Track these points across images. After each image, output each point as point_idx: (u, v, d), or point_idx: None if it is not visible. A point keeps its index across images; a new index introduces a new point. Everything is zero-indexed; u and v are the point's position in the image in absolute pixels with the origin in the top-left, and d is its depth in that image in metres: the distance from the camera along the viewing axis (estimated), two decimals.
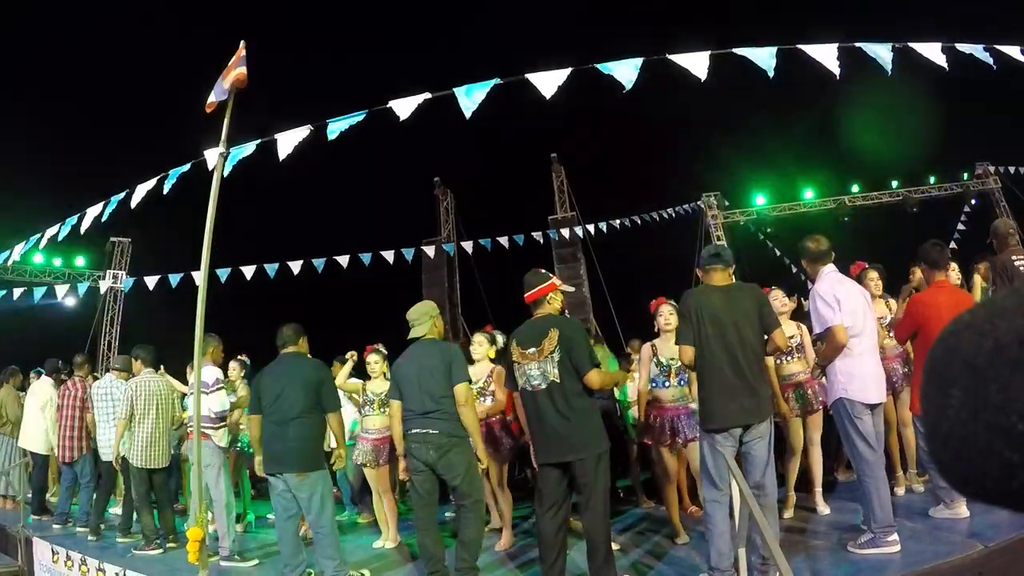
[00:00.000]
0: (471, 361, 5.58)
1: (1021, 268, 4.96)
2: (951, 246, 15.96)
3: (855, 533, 4.20)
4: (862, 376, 4.12)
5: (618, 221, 15.91)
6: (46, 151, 17.37)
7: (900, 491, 5.23)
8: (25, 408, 7.97)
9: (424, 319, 4.55)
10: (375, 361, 5.95)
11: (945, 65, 4.65)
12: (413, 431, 4.27)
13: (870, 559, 3.85)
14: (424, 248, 14.67)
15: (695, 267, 4.46)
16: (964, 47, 4.78)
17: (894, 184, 18.96)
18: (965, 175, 18.99)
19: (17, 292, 9.53)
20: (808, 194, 19.04)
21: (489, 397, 5.53)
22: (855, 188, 19.01)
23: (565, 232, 16.82)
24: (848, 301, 4.11)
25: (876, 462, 4.05)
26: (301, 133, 4.74)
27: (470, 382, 4.44)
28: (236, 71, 4.39)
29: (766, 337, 3.85)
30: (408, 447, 4.31)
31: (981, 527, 4.03)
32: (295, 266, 11.63)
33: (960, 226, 18.05)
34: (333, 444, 5.22)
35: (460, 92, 4.61)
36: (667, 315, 5.10)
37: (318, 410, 4.65)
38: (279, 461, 4.60)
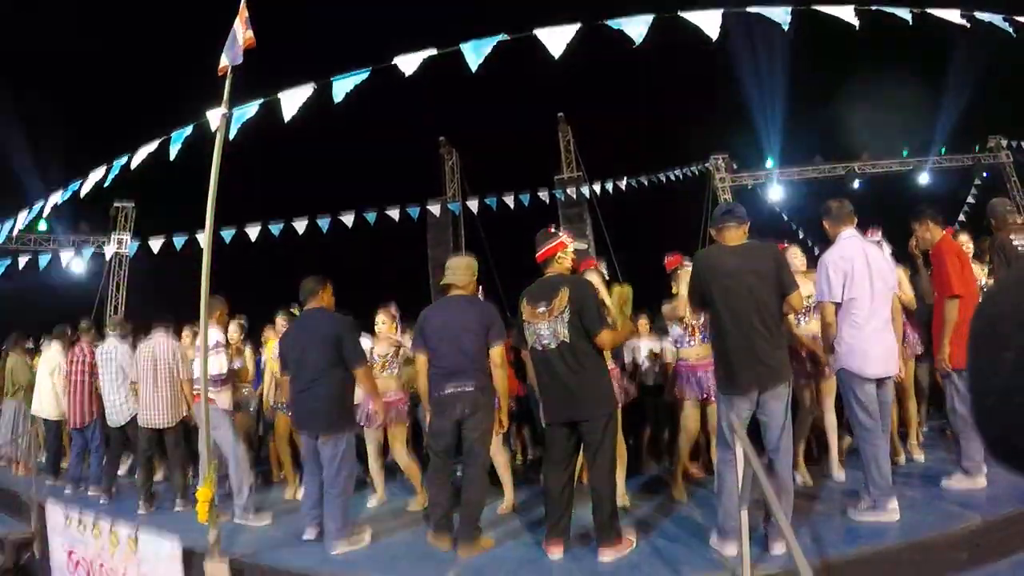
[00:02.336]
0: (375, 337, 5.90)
1: (1020, 248, 4.90)
2: (959, 219, 15.86)
3: (857, 499, 4.23)
4: (863, 350, 4.08)
5: (624, 181, 15.76)
6: (46, 117, 17.14)
7: (901, 460, 5.24)
8: (37, 375, 8.03)
9: (466, 273, 4.54)
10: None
11: (966, 23, 4.53)
12: (448, 391, 4.26)
13: (869, 525, 3.89)
14: (429, 207, 14.60)
15: (708, 227, 4.38)
16: (983, 15, 4.66)
17: (904, 153, 18.74)
18: (976, 148, 18.79)
19: (23, 260, 9.51)
20: (817, 159, 18.80)
21: (393, 369, 5.80)
22: (865, 155, 18.76)
23: (571, 192, 16.70)
24: (859, 270, 4.07)
25: (875, 430, 4.06)
26: (305, 92, 4.66)
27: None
28: (246, 34, 4.32)
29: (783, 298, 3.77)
30: (443, 407, 4.29)
31: (980, 500, 4.07)
32: (300, 225, 11.59)
33: (969, 199, 17.78)
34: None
35: (466, 48, 4.51)
36: (687, 279, 5.04)
37: (341, 367, 4.60)
38: (307, 421, 4.63)
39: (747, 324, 3.65)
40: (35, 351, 9.08)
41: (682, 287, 4.98)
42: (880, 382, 4.17)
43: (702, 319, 5.02)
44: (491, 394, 4.36)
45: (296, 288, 4.96)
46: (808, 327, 5.19)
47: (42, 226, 15.91)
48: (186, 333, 7.07)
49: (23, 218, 7.15)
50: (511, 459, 5.54)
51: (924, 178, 18.41)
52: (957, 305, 4.48)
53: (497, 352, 4.35)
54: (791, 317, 4.96)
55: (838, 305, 4.15)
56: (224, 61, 4.45)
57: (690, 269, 4.95)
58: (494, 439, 5.12)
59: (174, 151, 5.25)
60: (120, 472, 7.77)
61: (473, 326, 4.31)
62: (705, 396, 4.98)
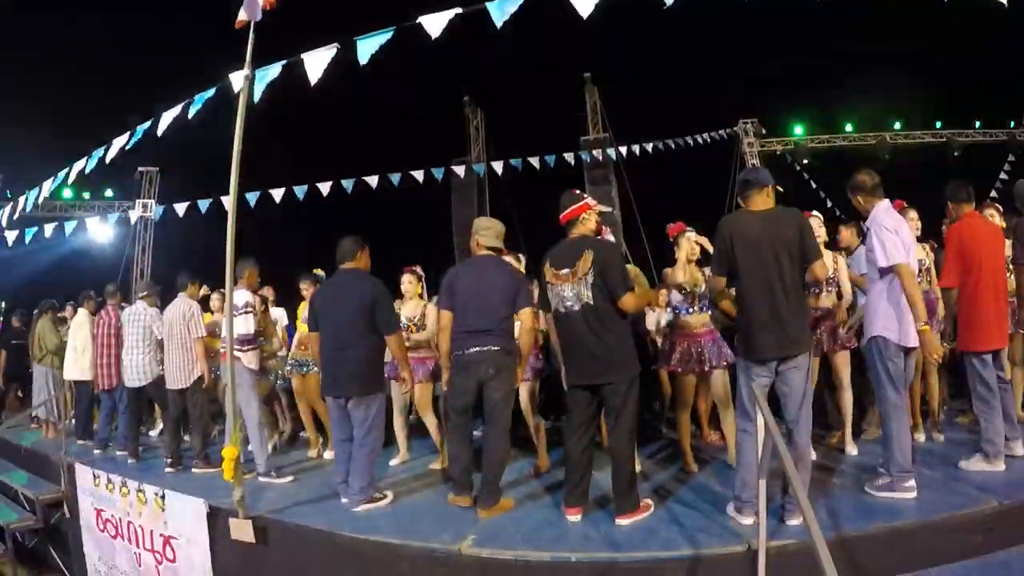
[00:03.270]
0: (401, 299, 5.84)
1: None
2: (991, 195, 15.42)
3: (874, 475, 4.21)
4: (903, 319, 3.97)
5: (651, 144, 15.51)
6: (70, 83, 17.15)
7: (920, 438, 5.18)
8: (68, 340, 8.19)
9: (498, 236, 4.56)
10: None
11: (1004, 2, 4.31)
12: (472, 349, 4.28)
13: (885, 502, 3.87)
14: (454, 168, 14.49)
15: (735, 195, 4.30)
16: None
17: (938, 125, 18.22)
18: (1012, 123, 18.32)
19: (49, 228, 9.60)
20: (848, 127, 18.35)
21: (420, 330, 5.77)
22: (897, 125, 18.26)
23: (597, 153, 16.51)
24: (908, 239, 3.99)
25: (901, 405, 4.00)
26: (328, 53, 4.61)
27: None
28: None
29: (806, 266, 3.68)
30: (466, 366, 4.32)
31: (997, 484, 4.01)
32: (324, 187, 11.57)
33: (1002, 175, 17.28)
34: None
35: (492, 6, 4.43)
36: (688, 246, 4.95)
37: (375, 332, 4.57)
38: (338, 384, 4.60)
39: (769, 291, 3.60)
40: (64, 317, 9.26)
41: (681, 254, 4.93)
42: (907, 353, 4.10)
43: (702, 288, 4.95)
44: (515, 355, 4.39)
45: (320, 249, 4.92)
46: (823, 300, 5.11)
47: (67, 193, 16.08)
48: (215, 296, 7.16)
49: (48, 186, 7.20)
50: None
51: (957, 151, 18.00)
52: (952, 295, 4.53)
53: (527, 314, 4.37)
54: None
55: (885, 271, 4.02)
56: (242, 15, 4.41)
57: (691, 236, 4.92)
58: (527, 405, 5.18)
59: (194, 112, 5.24)
60: (153, 433, 7.99)
61: (502, 287, 4.33)
62: (703, 367, 4.90)
